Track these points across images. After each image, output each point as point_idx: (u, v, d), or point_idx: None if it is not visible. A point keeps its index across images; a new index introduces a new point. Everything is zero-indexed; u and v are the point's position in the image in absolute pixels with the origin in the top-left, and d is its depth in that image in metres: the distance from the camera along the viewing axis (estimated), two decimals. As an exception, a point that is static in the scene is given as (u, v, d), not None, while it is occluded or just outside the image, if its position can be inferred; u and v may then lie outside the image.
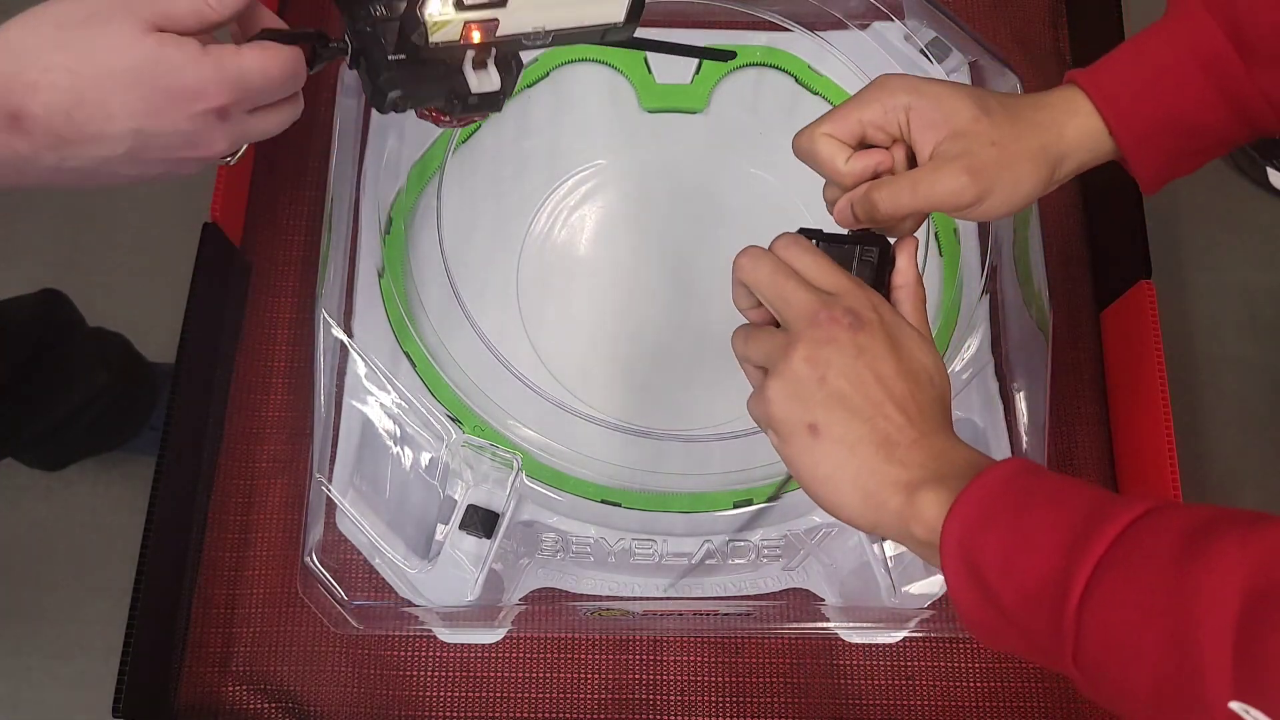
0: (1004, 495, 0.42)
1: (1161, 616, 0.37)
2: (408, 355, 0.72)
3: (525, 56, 0.56)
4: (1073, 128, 0.54)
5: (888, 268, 0.52)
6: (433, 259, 0.73)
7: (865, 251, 0.52)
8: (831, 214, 0.56)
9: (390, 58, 0.50)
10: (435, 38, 0.50)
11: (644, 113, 0.87)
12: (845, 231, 0.56)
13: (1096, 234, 0.91)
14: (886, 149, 0.55)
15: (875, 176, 0.54)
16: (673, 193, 0.85)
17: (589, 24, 0.53)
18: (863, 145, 0.55)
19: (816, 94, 0.85)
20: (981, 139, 0.53)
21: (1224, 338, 1.26)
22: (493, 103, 0.55)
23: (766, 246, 0.52)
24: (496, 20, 0.51)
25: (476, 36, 0.51)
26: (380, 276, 0.75)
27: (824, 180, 0.57)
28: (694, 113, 0.87)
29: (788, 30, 0.83)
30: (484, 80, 0.53)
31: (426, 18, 0.49)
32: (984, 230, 0.79)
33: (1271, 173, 1.31)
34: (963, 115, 0.53)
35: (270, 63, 0.48)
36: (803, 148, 0.56)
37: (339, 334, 0.72)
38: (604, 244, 0.82)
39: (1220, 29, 0.53)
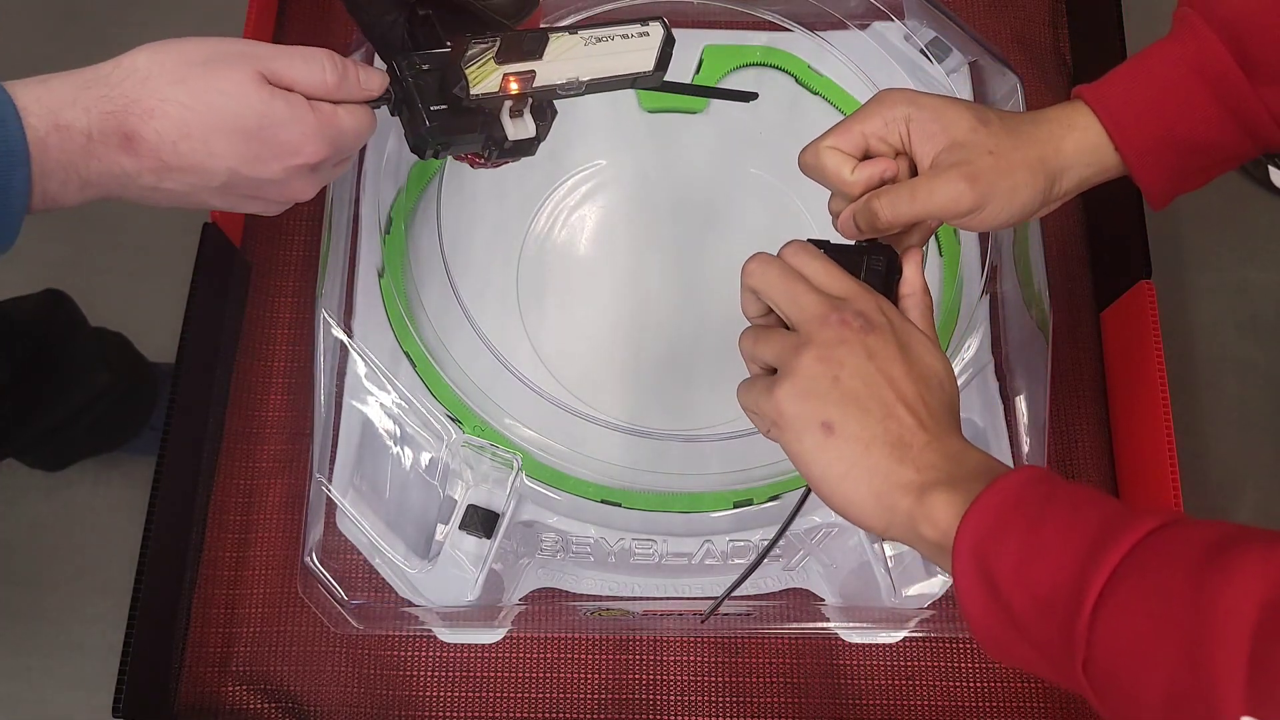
0: (1020, 502, 0.42)
1: (1176, 627, 0.37)
2: (408, 355, 0.72)
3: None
4: (1071, 141, 0.55)
5: (895, 276, 0.53)
6: (433, 259, 0.73)
7: (873, 260, 0.52)
8: (836, 227, 0.57)
9: (432, 108, 0.53)
10: (476, 90, 0.52)
11: (644, 113, 0.87)
12: (852, 243, 0.56)
13: (1096, 234, 0.91)
14: (892, 160, 0.55)
15: (882, 185, 0.55)
16: (673, 193, 0.85)
17: (621, 73, 0.56)
18: (866, 158, 0.55)
19: (816, 94, 0.85)
20: (979, 148, 0.53)
21: (1224, 338, 1.26)
22: (528, 148, 0.58)
23: (769, 248, 0.52)
24: (533, 72, 0.54)
25: (514, 87, 0.54)
26: (380, 276, 0.75)
27: (830, 192, 0.57)
28: (694, 113, 0.87)
29: (788, 30, 0.83)
30: (520, 128, 0.56)
31: (468, 71, 0.52)
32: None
33: (1273, 172, 1.31)
34: (961, 126, 0.53)
35: (362, 124, 0.52)
36: (808, 163, 0.56)
37: (339, 334, 0.72)
38: (604, 244, 0.82)
39: (1224, 46, 0.53)
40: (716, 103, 0.87)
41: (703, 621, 0.74)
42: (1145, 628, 0.37)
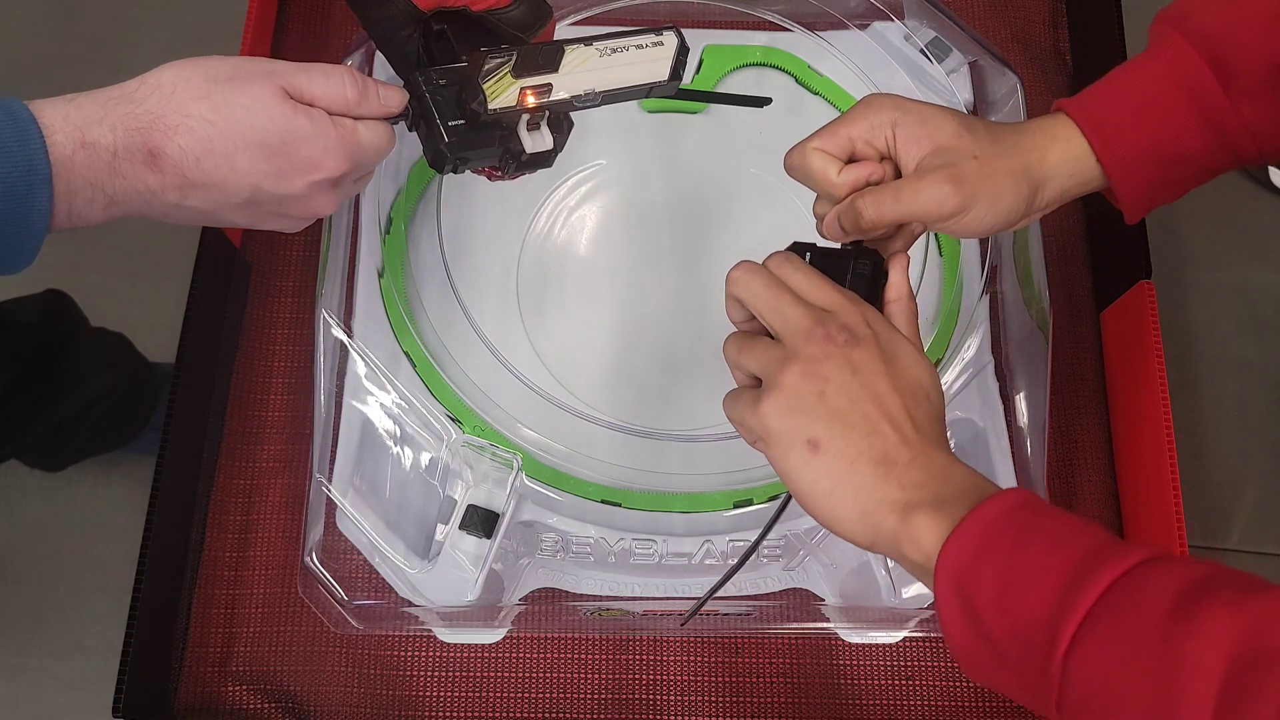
0: (1002, 530, 0.42)
1: (1146, 677, 0.37)
2: (408, 355, 0.72)
3: None
4: (1055, 152, 0.55)
5: (881, 281, 0.53)
6: (433, 259, 0.73)
7: (859, 264, 0.52)
8: (820, 229, 0.57)
9: (450, 123, 0.53)
10: (494, 104, 0.53)
11: (644, 113, 0.87)
12: (838, 246, 0.56)
13: (1096, 234, 0.91)
14: (878, 163, 0.55)
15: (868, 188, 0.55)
16: (672, 193, 0.85)
17: (636, 84, 0.57)
18: (852, 161, 0.56)
19: (816, 94, 0.85)
20: (964, 152, 0.53)
21: (1224, 338, 1.26)
22: (545, 160, 0.58)
23: (769, 248, 0.52)
24: (550, 85, 0.54)
25: (531, 101, 0.54)
26: (380, 276, 0.75)
27: (815, 195, 0.57)
28: (694, 113, 0.87)
29: (788, 30, 0.83)
30: (538, 140, 0.57)
31: (485, 86, 0.52)
32: (984, 230, 0.79)
33: (1273, 172, 1.31)
34: (946, 131, 0.54)
35: (382, 140, 0.53)
36: (794, 164, 0.56)
37: (339, 334, 0.72)
38: (604, 244, 0.82)
39: (1203, 60, 0.53)
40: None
41: (683, 624, 0.74)
42: (1116, 673, 0.38)
